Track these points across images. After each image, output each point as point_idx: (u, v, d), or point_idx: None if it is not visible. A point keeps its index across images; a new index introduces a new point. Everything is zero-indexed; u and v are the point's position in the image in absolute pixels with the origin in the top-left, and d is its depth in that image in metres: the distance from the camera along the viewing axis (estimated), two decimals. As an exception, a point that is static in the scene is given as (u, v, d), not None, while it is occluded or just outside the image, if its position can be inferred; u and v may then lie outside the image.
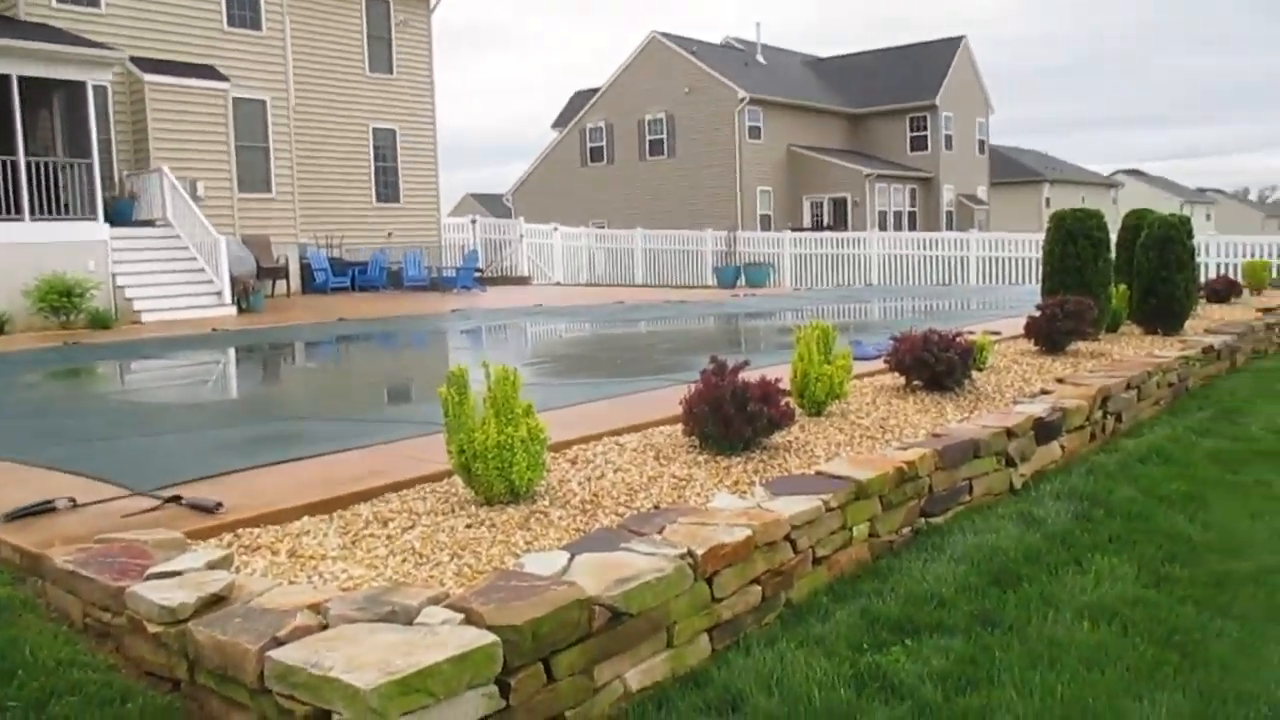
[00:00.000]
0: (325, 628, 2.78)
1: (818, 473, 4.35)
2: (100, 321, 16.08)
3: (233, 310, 18.21)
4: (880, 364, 7.39)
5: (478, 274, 26.71)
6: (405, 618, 2.80)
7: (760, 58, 42.80)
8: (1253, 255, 20.27)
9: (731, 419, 4.89)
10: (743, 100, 37.71)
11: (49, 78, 17.06)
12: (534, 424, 4.26)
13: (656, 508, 4.17)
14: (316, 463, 5.06)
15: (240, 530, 3.89)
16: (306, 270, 23.45)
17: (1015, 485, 5.30)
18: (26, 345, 13.17)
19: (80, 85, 17.40)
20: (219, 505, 4.10)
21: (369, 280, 24.26)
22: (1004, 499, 5.15)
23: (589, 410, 6.46)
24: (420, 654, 2.53)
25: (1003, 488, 5.23)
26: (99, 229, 17.46)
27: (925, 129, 41.49)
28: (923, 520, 4.60)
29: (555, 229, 31.81)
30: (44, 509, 4.16)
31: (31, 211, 16.74)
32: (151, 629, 2.93)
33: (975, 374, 7.33)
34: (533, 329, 14.78)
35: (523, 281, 28.62)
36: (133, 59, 19.68)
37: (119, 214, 18.79)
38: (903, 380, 6.96)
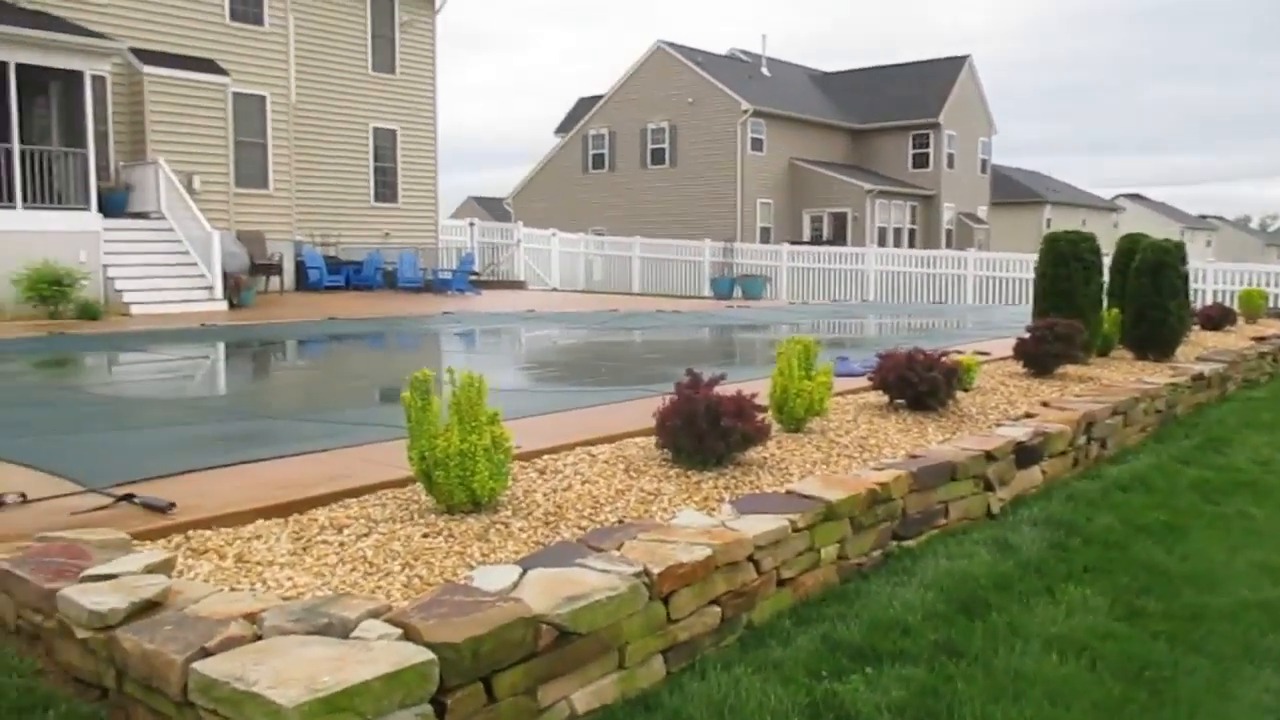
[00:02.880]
0: (259, 638, 2.68)
1: (788, 492, 4.25)
2: (89, 312, 15.95)
3: (224, 305, 18.10)
4: (865, 381, 7.29)
5: (473, 277, 26.61)
6: (342, 630, 2.70)
7: (765, 70, 42.78)
8: (1249, 283, 20.20)
9: (704, 434, 4.79)
10: (746, 112, 37.68)
11: (46, 66, 16.97)
12: (499, 432, 4.16)
13: (620, 522, 4.07)
14: (281, 464, 4.96)
15: (191, 532, 3.79)
16: (301, 268, 23.33)
17: (993, 510, 5.20)
18: (10, 334, 13.06)
19: (78, 75, 17.32)
20: (171, 505, 3.99)
21: (364, 280, 24.14)
22: (980, 523, 5.05)
23: (566, 419, 6.36)
24: (350, 670, 2.43)
25: (980, 512, 5.13)
26: (91, 219, 17.36)
27: (928, 146, 41.47)
28: (894, 543, 4.50)
29: (553, 235, 31.74)
30: (-8, 504, 4.05)
31: (25, 199, 16.64)
32: (80, 634, 2.82)
33: (960, 395, 7.24)
34: (523, 334, 14.68)
35: (518, 286, 28.52)
36: (133, 50, 19.59)
37: (113, 205, 18.68)
38: (886, 399, 6.86)
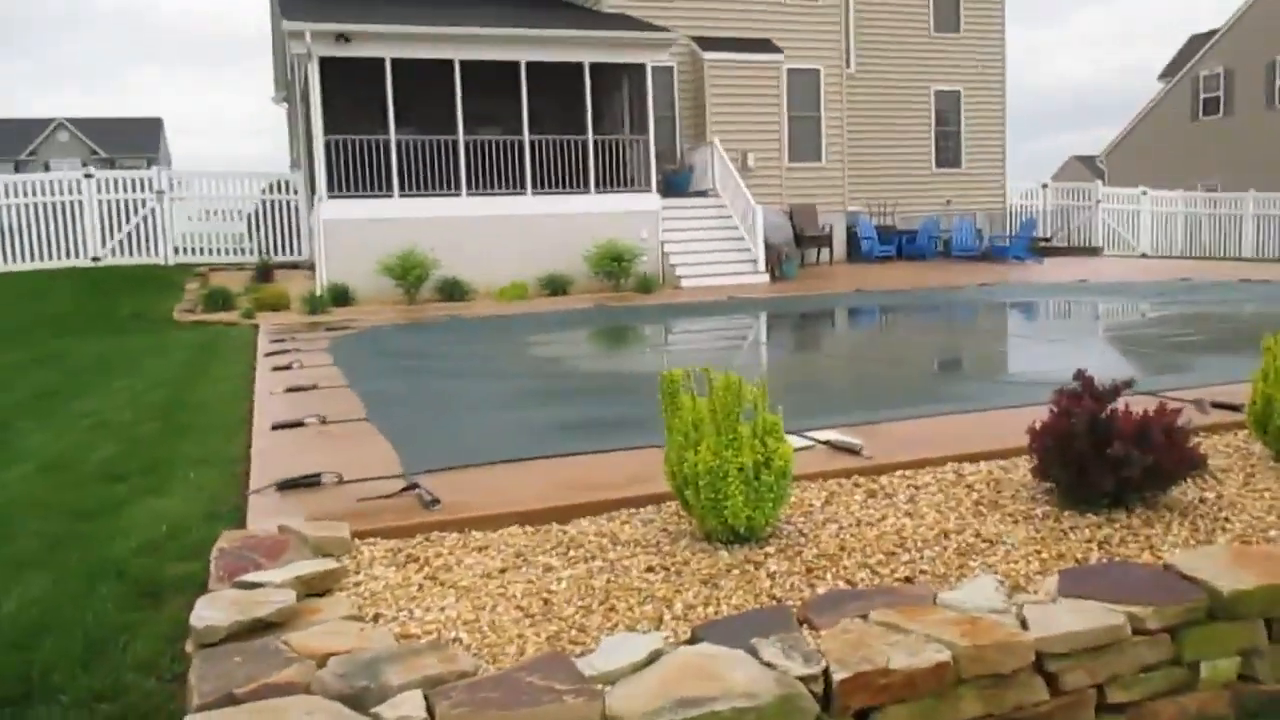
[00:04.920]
0: (308, 690, 2.29)
1: (1165, 567, 2.85)
2: (645, 286, 17.24)
3: (765, 278, 18.49)
4: None
5: (1043, 243, 24.41)
6: (378, 698, 2.20)
7: None
8: None
9: (1085, 462, 3.47)
10: None
11: (613, 62, 18.59)
12: (774, 448, 3.34)
13: (907, 580, 3.05)
14: (604, 459, 4.59)
15: (433, 534, 3.55)
16: (853, 238, 23.11)
17: None
18: (567, 305, 14.53)
19: (640, 67, 18.72)
20: (436, 502, 3.81)
21: (917, 248, 23.24)
22: None
23: (971, 422, 5.18)
24: (316, 765, 1.93)
25: None
26: (652, 200, 18.70)
27: None
28: (1373, 664, 2.84)
29: (1143, 193, 27.91)
30: (311, 482, 4.21)
31: (597, 185, 18.42)
32: (187, 648, 2.67)
33: None
34: (1041, 309, 12.90)
35: (1092, 252, 25.51)
36: (695, 38, 20.78)
37: (677, 185, 20.03)
38: None
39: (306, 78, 16.62)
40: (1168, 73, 39.19)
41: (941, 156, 25.48)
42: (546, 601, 2.91)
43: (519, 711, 2.09)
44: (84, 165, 29.16)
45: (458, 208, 17.26)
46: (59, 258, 19.54)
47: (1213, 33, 36.11)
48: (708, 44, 20.93)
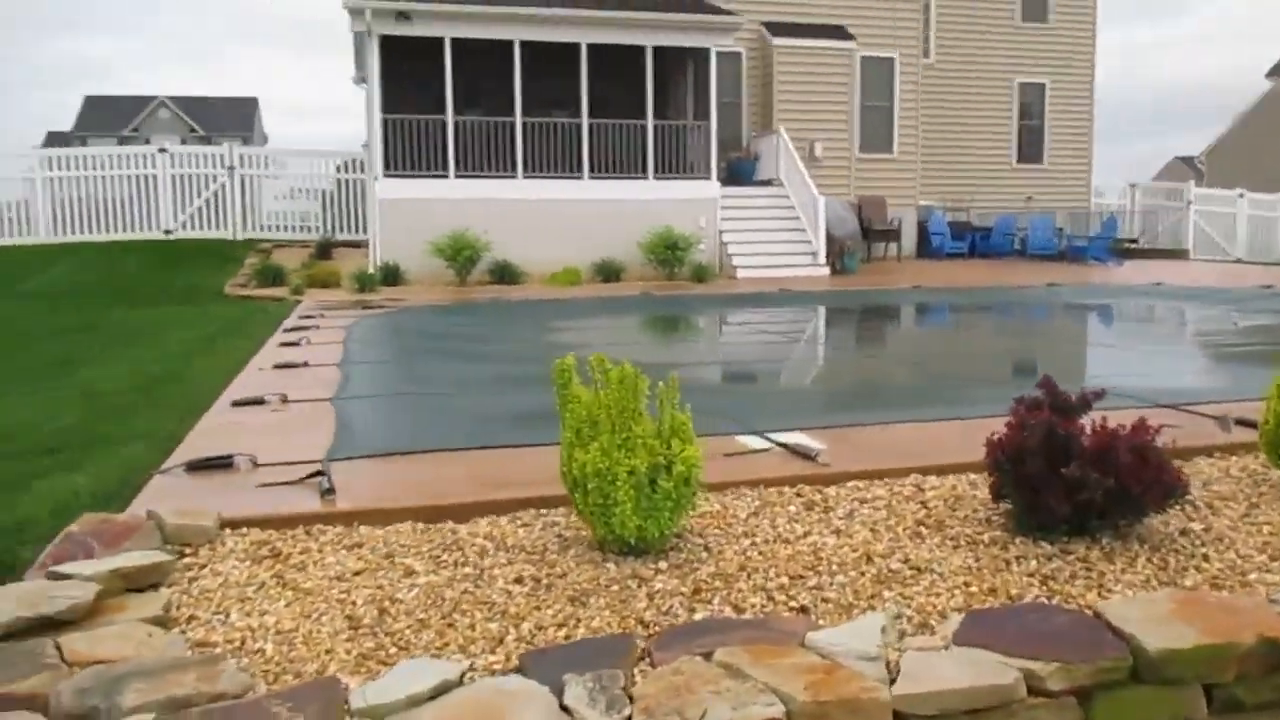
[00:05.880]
0: (44, 706, 2.01)
1: (1095, 614, 2.41)
2: (700, 275, 16.82)
3: (825, 271, 17.92)
4: None
5: (1130, 244, 23.32)
6: (104, 723, 1.92)
7: None
8: None
9: (1039, 484, 3.02)
10: None
11: (678, 46, 18.16)
12: (679, 450, 2.97)
13: (803, 610, 2.66)
14: (532, 453, 4.21)
15: (315, 527, 3.27)
16: (923, 233, 22.34)
17: None
18: (612, 292, 14.23)
19: (705, 51, 18.26)
20: (331, 491, 3.53)
21: (991, 246, 22.36)
22: None
23: (962, 429, 4.70)
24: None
25: None
26: (711, 188, 18.25)
27: None
28: (1346, 743, 2.36)
29: (1240, 195, 26.48)
30: (223, 464, 3.97)
31: (656, 171, 18.04)
32: (-35, 643, 2.42)
33: None
34: (1100, 313, 12.15)
35: (1179, 255, 24.26)
36: (764, 23, 20.24)
37: (741, 174, 19.56)
38: None
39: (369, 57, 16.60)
40: (1276, 71, 37.18)
41: (1023, 151, 24.54)
42: (383, 612, 2.60)
43: (236, 752, 1.78)
44: (183, 143, 29.84)
45: (513, 190, 17.06)
46: (135, 229, 20.02)
47: (1327, 28, 34.09)
48: (777, 29, 20.38)
